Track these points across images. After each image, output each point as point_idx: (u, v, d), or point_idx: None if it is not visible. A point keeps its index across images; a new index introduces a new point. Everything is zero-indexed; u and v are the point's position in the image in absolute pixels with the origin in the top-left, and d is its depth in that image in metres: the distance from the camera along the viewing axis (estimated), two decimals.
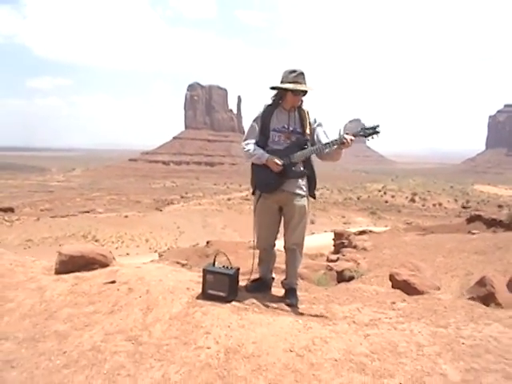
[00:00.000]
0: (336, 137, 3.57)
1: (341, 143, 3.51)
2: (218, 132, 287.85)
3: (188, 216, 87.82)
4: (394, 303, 4.06)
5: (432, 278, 7.01)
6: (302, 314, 3.57)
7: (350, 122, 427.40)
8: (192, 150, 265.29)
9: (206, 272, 3.69)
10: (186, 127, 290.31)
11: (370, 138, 3.49)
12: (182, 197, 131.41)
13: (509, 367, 2.75)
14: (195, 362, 2.86)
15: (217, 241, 34.79)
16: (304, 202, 3.74)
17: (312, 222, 64.89)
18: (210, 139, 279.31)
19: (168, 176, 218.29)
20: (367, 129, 3.47)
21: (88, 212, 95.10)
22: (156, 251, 44.25)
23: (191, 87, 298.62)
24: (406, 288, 4.99)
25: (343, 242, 17.30)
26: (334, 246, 18.74)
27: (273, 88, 3.74)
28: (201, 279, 3.87)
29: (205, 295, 3.66)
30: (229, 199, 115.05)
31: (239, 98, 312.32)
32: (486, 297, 4.77)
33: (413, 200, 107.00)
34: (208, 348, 2.99)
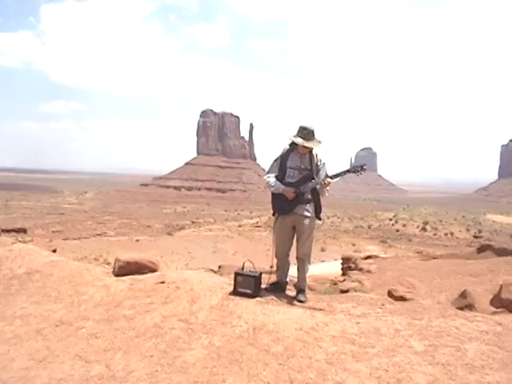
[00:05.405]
0: (320, 178, 4.80)
1: (319, 184, 4.75)
2: (230, 159, 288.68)
3: (199, 241, 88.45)
4: (383, 305, 5.11)
5: (425, 295, 7.91)
6: (309, 307, 4.65)
7: (362, 150, 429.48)
8: (204, 176, 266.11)
9: (236, 274, 4.81)
10: (198, 153, 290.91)
11: (358, 174, 4.64)
12: (193, 222, 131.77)
13: (461, 344, 3.79)
14: (232, 334, 3.98)
15: (228, 265, 35.51)
16: (311, 222, 4.88)
17: (322, 250, 65.43)
18: (222, 166, 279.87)
19: (179, 201, 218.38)
20: (356, 166, 4.63)
21: (99, 235, 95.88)
22: None
23: (204, 113, 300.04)
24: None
25: (350, 266, 18.10)
26: (342, 269, 19.42)
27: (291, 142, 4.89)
28: (231, 282, 4.99)
29: (235, 292, 4.77)
30: (239, 226, 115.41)
31: (251, 126, 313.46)
32: (466, 307, 5.63)
33: (424, 229, 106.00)
34: (240, 326, 4.10)
